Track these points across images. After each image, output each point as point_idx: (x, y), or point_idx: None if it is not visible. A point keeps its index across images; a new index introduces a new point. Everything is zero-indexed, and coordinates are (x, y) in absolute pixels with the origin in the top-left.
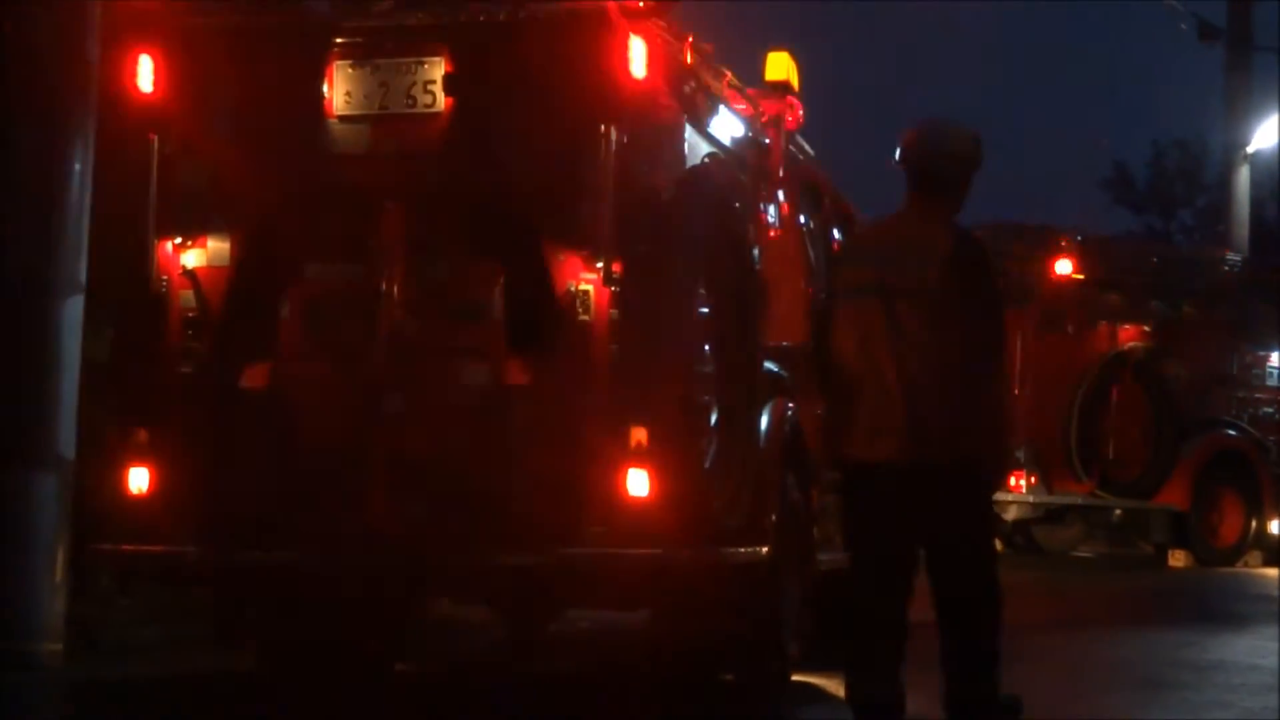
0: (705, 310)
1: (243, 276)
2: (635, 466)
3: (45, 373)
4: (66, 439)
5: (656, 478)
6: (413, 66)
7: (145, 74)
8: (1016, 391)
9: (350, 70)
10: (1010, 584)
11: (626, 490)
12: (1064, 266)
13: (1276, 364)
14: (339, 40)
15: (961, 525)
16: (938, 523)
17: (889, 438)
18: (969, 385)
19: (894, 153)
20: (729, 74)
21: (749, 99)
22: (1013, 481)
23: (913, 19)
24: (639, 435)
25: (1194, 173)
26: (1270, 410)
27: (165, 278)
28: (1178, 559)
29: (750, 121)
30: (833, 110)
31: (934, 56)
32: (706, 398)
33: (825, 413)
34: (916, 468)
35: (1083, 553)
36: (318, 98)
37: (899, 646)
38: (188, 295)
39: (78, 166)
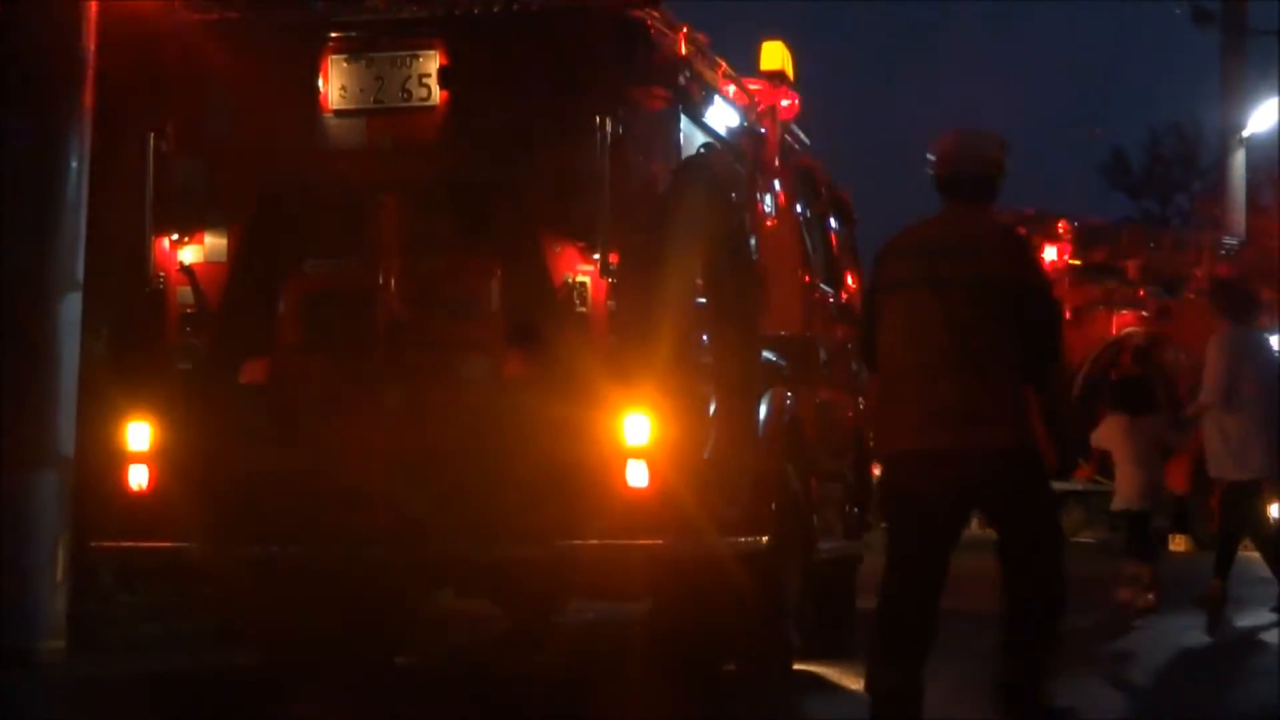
0: (703, 300)
1: (240, 272)
2: (634, 458)
3: (43, 371)
4: (65, 437)
5: (656, 469)
6: (408, 60)
7: (141, 71)
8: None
9: (345, 64)
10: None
11: (626, 481)
12: (1059, 252)
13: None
14: (333, 35)
15: (1020, 513)
16: (997, 511)
17: (942, 426)
18: (1028, 372)
19: (928, 160)
20: (724, 64)
21: (744, 89)
22: None
23: (907, 4)
24: (638, 426)
25: (1190, 157)
26: None
27: (163, 274)
28: (1178, 544)
29: (746, 111)
30: (827, 98)
31: (928, 43)
32: (705, 388)
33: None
34: (971, 455)
35: (1084, 538)
36: (313, 92)
37: (926, 639)
38: (186, 291)
39: (74, 164)
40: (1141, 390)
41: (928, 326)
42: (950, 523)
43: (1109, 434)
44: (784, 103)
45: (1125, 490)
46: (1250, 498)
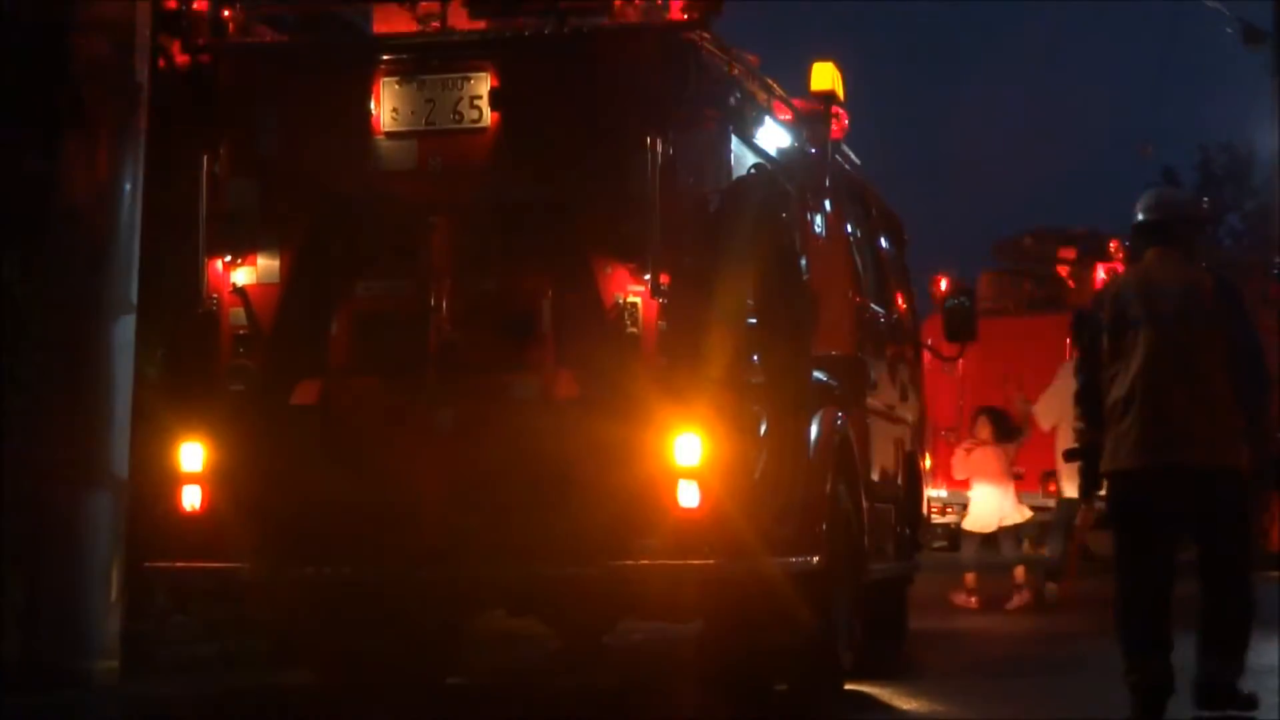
0: (753, 321)
1: (293, 293)
2: (685, 478)
3: (98, 392)
4: (120, 458)
5: (707, 489)
6: (459, 82)
7: (195, 94)
8: None
9: (397, 86)
10: (1065, 594)
11: (677, 501)
12: (1112, 272)
13: None
14: (385, 57)
15: (1225, 526)
16: (1204, 522)
17: (1165, 447)
18: (1242, 398)
19: (1135, 216)
20: (774, 84)
21: (794, 109)
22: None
23: (958, 25)
24: (689, 446)
25: (1242, 176)
26: None
27: (216, 295)
28: None
29: (796, 131)
30: (878, 117)
31: (980, 63)
32: (755, 408)
33: (1088, 435)
34: (1188, 472)
35: None
36: (365, 115)
37: (1168, 633)
38: (238, 313)
39: (128, 187)
40: None
41: (1153, 360)
42: (1168, 529)
43: None
44: (834, 123)
45: None
46: None
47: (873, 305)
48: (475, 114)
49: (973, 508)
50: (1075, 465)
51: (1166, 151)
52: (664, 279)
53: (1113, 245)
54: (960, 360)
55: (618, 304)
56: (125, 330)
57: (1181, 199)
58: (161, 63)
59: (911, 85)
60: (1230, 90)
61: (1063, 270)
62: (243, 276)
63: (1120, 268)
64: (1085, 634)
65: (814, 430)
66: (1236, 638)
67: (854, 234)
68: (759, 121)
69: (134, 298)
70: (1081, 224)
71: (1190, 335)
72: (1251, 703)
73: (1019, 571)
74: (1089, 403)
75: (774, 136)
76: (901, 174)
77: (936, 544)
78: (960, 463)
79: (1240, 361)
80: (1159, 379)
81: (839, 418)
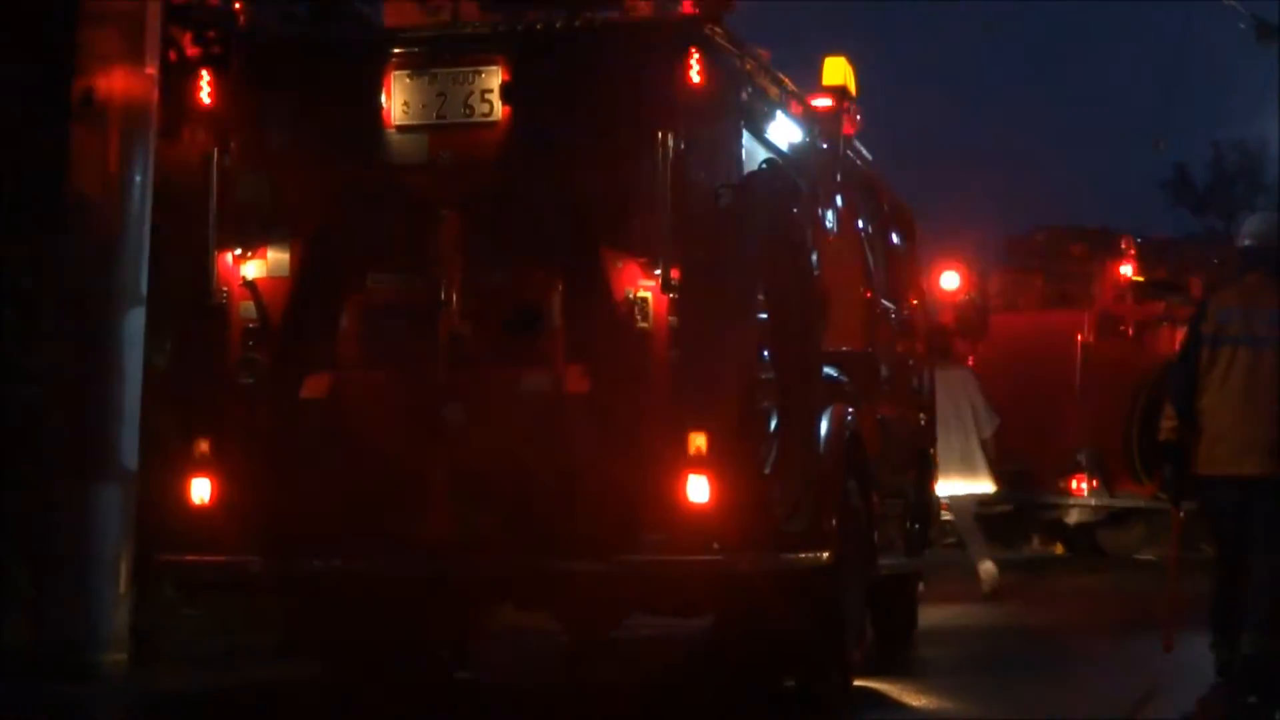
0: (764, 316)
1: (302, 287)
2: (695, 472)
3: (108, 385)
4: (130, 450)
5: (716, 484)
6: (470, 76)
7: (205, 86)
8: (1077, 395)
9: (408, 80)
10: (1075, 587)
11: (687, 496)
12: (1125, 269)
13: None
14: (396, 50)
15: (1273, 520)
16: (1259, 515)
17: (1263, 459)
18: None
19: (1242, 240)
20: (786, 80)
21: (806, 105)
22: (1075, 485)
23: (965, 20)
24: (698, 441)
25: (1254, 173)
26: None
27: (225, 289)
28: None
29: (808, 127)
30: (887, 115)
31: (987, 58)
32: (766, 403)
33: (1181, 435)
34: (1270, 483)
35: (1146, 555)
36: (376, 108)
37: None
38: (248, 306)
39: (138, 178)
40: None
41: (1249, 377)
42: (1245, 525)
43: None
44: (846, 118)
45: None
46: None
47: (884, 301)
48: (486, 108)
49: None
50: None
51: (1179, 148)
52: (675, 274)
53: (1124, 242)
54: (971, 357)
55: (628, 299)
56: (135, 322)
57: None
58: (173, 55)
59: (922, 83)
60: (1243, 87)
61: (1074, 267)
62: (253, 269)
63: (1134, 264)
64: (1096, 629)
65: (824, 426)
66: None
67: (866, 229)
68: (770, 116)
69: (144, 289)
70: (1093, 221)
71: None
72: None
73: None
74: (1183, 405)
75: (786, 132)
76: (914, 169)
77: (947, 540)
78: None
79: None
80: (1252, 395)
81: (849, 413)
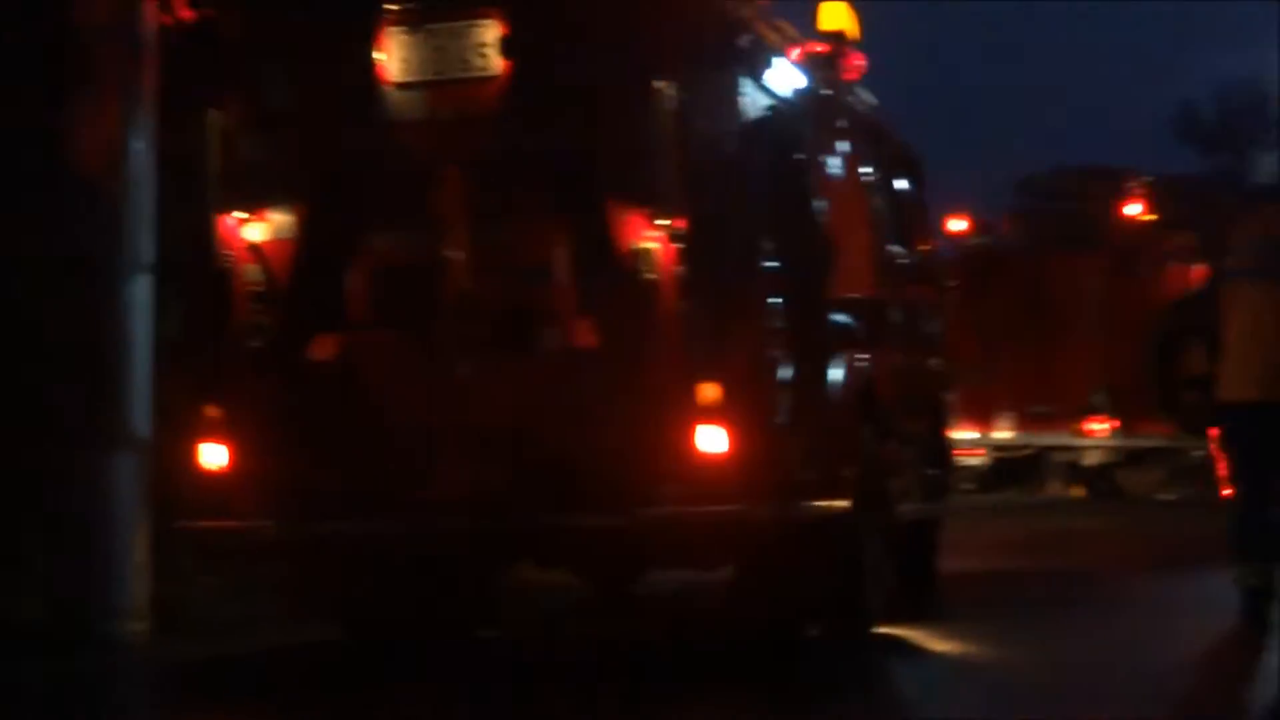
0: (772, 264)
1: (307, 249)
2: (708, 423)
3: (117, 353)
4: (142, 418)
5: (731, 433)
6: (467, 30)
7: (202, 49)
8: (1092, 335)
9: (404, 37)
10: (1094, 529)
11: (701, 447)
12: (1134, 208)
13: None
14: (391, 7)
15: None
16: None
17: (1270, 383)
18: None
19: (1256, 177)
20: (787, 25)
21: (807, 51)
22: (1092, 426)
23: None
24: (711, 392)
25: (1260, 109)
26: None
27: (230, 253)
28: None
29: (810, 73)
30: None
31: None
32: (777, 352)
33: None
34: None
35: (1165, 496)
36: (373, 66)
37: (1273, 544)
38: (253, 269)
39: (139, 144)
40: None
41: (1270, 304)
42: (1269, 451)
43: None
44: (848, 64)
45: None
46: None
47: (891, 247)
48: (484, 62)
49: None
50: None
51: (1185, 86)
52: (680, 224)
53: (1133, 182)
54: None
55: (634, 250)
56: (142, 289)
57: None
58: (166, 19)
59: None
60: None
61: (1082, 207)
62: (256, 233)
63: (1144, 203)
64: (1119, 572)
65: (837, 373)
66: None
67: (871, 175)
68: (771, 64)
69: (150, 257)
70: (1102, 161)
71: None
72: None
73: None
74: (1209, 338)
75: (787, 78)
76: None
77: (965, 485)
78: None
79: None
80: (1275, 323)
81: (861, 360)
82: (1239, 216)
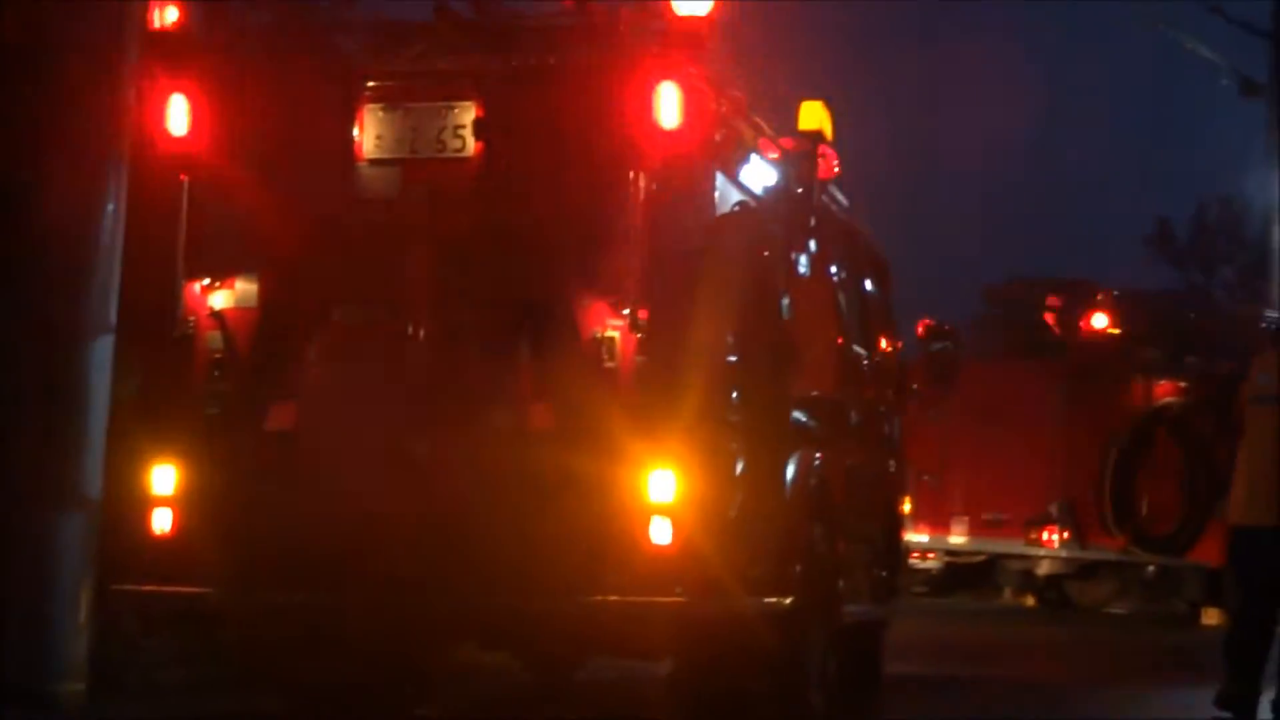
0: (732, 359)
1: (270, 318)
2: (658, 514)
3: (74, 413)
4: (93, 479)
5: (680, 526)
6: (443, 111)
7: (176, 115)
8: (1050, 446)
9: (381, 113)
10: (1043, 640)
11: (649, 538)
12: (1099, 320)
13: None
14: (370, 83)
15: None
16: None
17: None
18: None
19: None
20: (762, 122)
21: (781, 148)
22: (1045, 536)
23: (950, 73)
24: (663, 483)
25: (1236, 229)
26: None
27: (193, 318)
28: (1211, 616)
29: (782, 170)
30: (869, 160)
31: (972, 110)
32: (732, 446)
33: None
34: None
35: (1116, 609)
36: (348, 140)
37: (1263, 665)
38: (215, 336)
39: (110, 206)
40: None
41: (1268, 434)
42: (1272, 577)
43: None
44: (822, 163)
45: None
46: None
47: (855, 347)
48: (459, 143)
49: None
50: None
51: (1162, 201)
52: (643, 314)
53: (1100, 294)
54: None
55: (596, 338)
56: (103, 351)
57: None
58: (146, 82)
59: (905, 129)
60: (1226, 143)
61: (1050, 317)
62: (221, 300)
63: (1109, 315)
64: (1064, 685)
65: (791, 470)
66: None
67: (838, 275)
68: (745, 159)
69: (113, 319)
70: (1071, 273)
71: None
72: None
73: None
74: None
75: (760, 175)
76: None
77: (916, 589)
78: None
79: None
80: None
81: (817, 458)
82: (1260, 347)
